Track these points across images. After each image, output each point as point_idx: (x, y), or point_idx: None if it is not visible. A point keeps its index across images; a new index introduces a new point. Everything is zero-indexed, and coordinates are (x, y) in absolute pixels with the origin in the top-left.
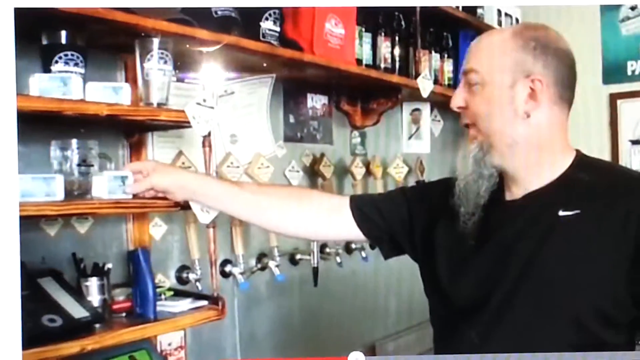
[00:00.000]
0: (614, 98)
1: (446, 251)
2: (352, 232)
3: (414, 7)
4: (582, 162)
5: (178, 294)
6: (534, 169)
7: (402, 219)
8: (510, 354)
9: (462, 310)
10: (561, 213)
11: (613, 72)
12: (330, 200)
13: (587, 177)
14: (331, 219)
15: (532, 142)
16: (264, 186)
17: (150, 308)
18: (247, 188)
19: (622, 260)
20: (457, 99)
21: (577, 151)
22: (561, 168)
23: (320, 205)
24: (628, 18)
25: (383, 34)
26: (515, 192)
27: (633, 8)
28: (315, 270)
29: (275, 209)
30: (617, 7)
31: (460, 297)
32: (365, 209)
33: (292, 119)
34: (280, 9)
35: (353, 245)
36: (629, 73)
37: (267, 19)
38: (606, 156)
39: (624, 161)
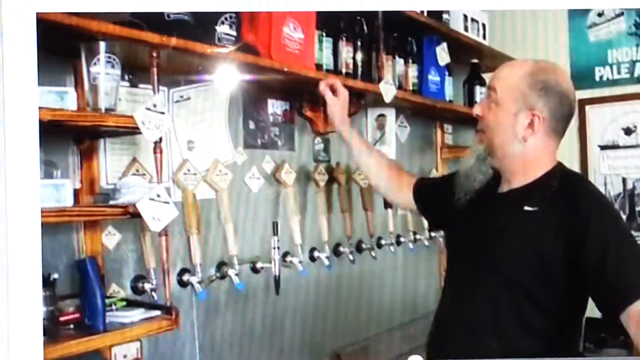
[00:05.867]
0: (582, 104)
1: (450, 223)
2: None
3: (377, 12)
4: (556, 172)
5: (131, 304)
6: (519, 174)
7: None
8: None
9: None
10: (525, 208)
11: (581, 78)
12: (405, 178)
13: (554, 183)
14: (402, 193)
15: (523, 158)
16: (374, 154)
17: (99, 319)
18: (376, 152)
19: (561, 253)
20: (477, 108)
21: (559, 163)
22: (539, 174)
23: (399, 181)
24: (595, 24)
25: (344, 38)
26: (504, 187)
27: (600, 14)
28: (277, 279)
29: (382, 178)
30: (585, 13)
31: (453, 261)
32: (421, 191)
33: (252, 125)
34: (237, 13)
35: (316, 254)
36: (597, 79)
37: (222, 22)
38: (575, 161)
39: (592, 166)
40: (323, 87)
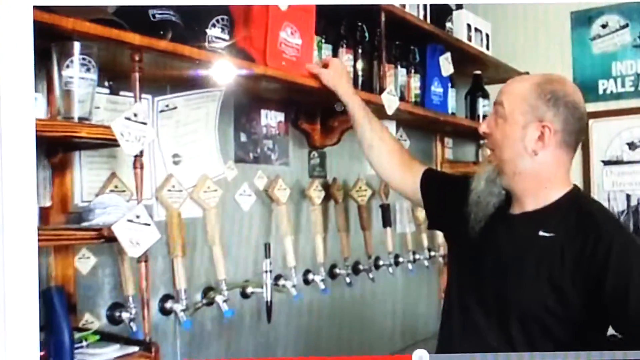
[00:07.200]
0: None
1: (458, 246)
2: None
3: (378, 18)
4: (573, 195)
5: (105, 337)
6: (533, 195)
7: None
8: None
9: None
10: (541, 233)
11: (584, 91)
12: (414, 164)
13: (571, 208)
14: (408, 178)
15: (535, 175)
16: (385, 130)
17: (66, 358)
18: (377, 123)
19: (580, 284)
20: (484, 126)
21: (574, 186)
22: (554, 197)
23: (406, 164)
24: (599, 36)
25: (345, 45)
26: (516, 209)
27: (604, 26)
28: (269, 304)
29: (383, 152)
30: (589, 25)
31: (459, 285)
32: (429, 181)
33: (243, 138)
34: (229, 15)
35: (310, 277)
36: (601, 92)
37: (214, 25)
38: (578, 177)
39: (595, 182)
40: (312, 66)
